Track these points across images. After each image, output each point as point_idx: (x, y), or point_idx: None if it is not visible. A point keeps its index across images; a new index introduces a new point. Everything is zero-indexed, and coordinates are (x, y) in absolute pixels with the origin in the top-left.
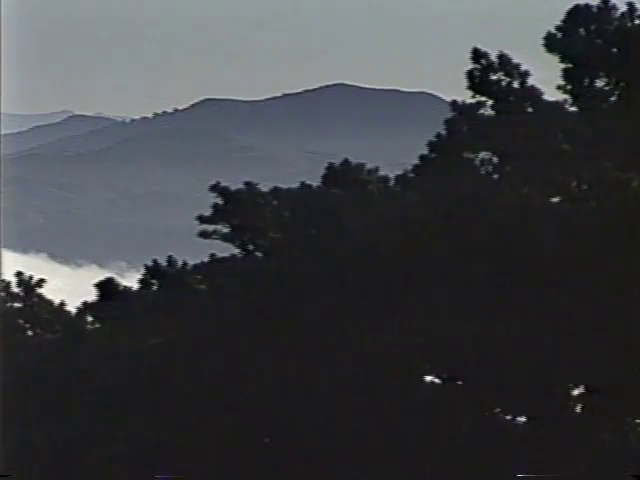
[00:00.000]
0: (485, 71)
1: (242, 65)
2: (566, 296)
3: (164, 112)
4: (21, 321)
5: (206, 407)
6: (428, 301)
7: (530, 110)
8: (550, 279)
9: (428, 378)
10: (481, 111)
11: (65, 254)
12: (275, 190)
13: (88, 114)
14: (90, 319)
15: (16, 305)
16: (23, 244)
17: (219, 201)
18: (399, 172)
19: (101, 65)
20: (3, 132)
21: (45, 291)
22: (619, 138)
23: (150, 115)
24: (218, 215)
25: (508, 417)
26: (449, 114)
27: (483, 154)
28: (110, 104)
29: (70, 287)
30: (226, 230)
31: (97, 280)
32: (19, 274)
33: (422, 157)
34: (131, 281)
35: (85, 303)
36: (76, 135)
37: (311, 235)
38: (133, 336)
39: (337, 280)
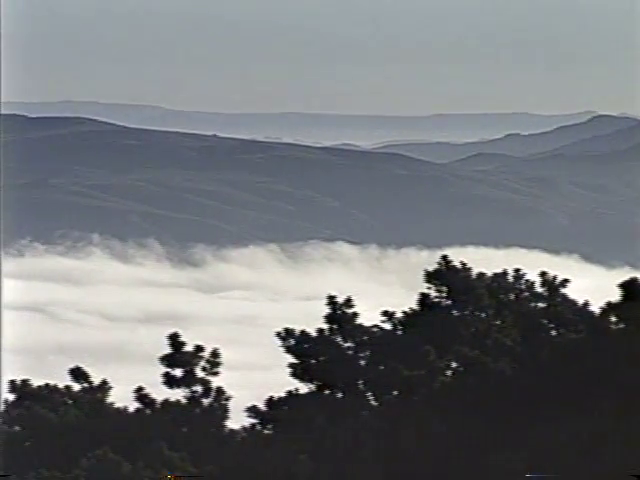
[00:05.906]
0: None
1: None
2: None
3: None
4: (545, 320)
5: None
6: None
7: None
8: None
9: None
10: None
11: (597, 255)
12: None
13: (613, 114)
14: (614, 319)
15: (540, 305)
16: (554, 245)
17: None
18: None
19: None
20: (528, 132)
21: (570, 291)
22: None
23: None
24: None
25: None
26: None
27: None
28: (635, 104)
29: (599, 288)
30: None
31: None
32: (543, 274)
33: None
34: None
35: (609, 303)
36: (600, 135)
37: None
38: None
39: None
